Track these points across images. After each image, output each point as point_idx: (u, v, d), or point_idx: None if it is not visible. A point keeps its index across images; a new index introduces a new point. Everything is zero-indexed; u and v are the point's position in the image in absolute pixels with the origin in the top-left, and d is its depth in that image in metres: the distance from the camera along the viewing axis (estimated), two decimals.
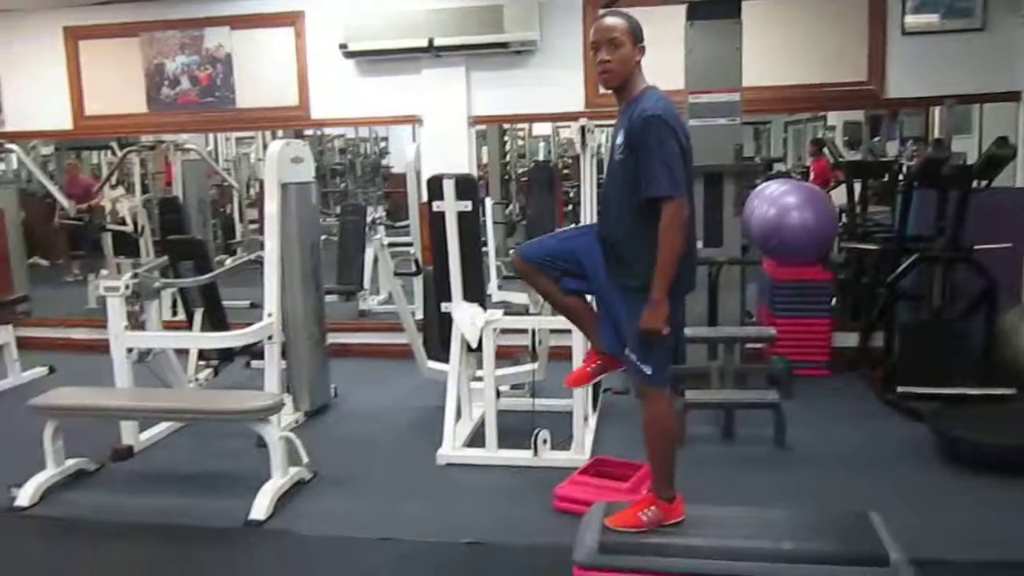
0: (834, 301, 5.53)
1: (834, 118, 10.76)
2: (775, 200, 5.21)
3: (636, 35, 2.60)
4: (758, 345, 5.22)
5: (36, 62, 6.26)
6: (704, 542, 2.66)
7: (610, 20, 2.60)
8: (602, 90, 2.72)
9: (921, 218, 5.06)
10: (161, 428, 4.42)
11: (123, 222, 7.65)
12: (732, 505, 3.07)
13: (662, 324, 2.56)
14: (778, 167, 10.99)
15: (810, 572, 2.54)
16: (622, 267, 2.68)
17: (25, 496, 3.62)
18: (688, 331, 4.46)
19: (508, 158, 11.10)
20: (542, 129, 13.02)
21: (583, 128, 3.99)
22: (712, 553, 2.62)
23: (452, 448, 4.01)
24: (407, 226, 7.75)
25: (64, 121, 6.30)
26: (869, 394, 4.84)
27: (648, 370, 2.67)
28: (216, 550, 3.25)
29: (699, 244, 3.56)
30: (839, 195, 6.56)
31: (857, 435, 4.24)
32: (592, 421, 4.25)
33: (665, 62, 5.00)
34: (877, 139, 9.86)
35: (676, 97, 4.85)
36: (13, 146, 5.53)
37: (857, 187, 6.31)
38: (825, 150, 7.76)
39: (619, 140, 2.62)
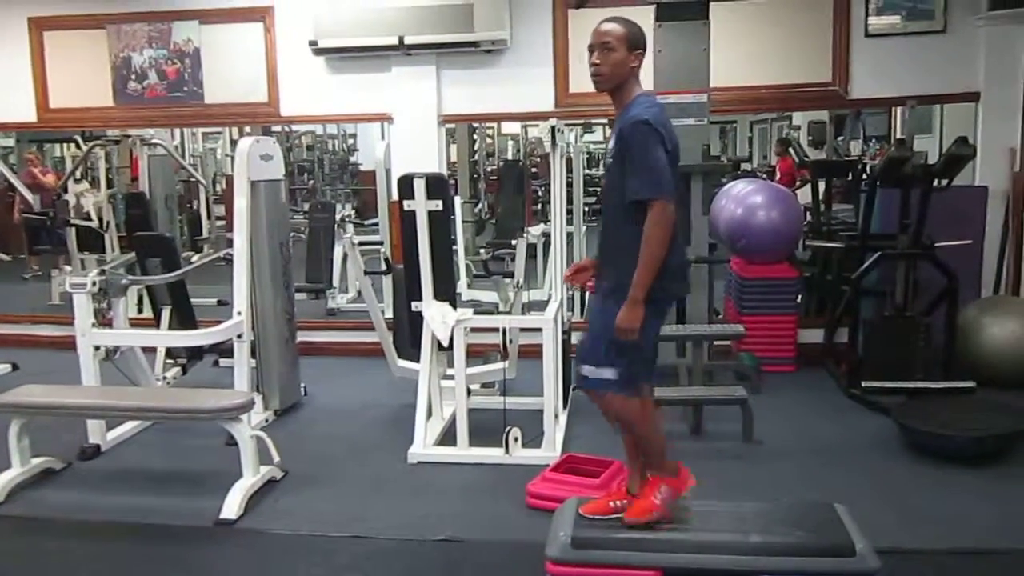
0: (799, 298, 5.62)
1: (799, 118, 10.91)
2: (742, 199, 5.31)
3: (632, 42, 2.61)
4: (726, 342, 5.30)
5: (0, 52, 6.15)
6: (674, 536, 2.71)
7: (606, 25, 2.63)
8: (591, 89, 2.74)
9: (884, 216, 5.17)
10: (129, 427, 4.38)
11: (88, 217, 7.56)
12: (702, 499, 3.12)
13: (637, 325, 2.55)
14: (745, 166, 11.12)
15: (778, 564, 2.58)
16: (605, 270, 2.72)
17: None
18: None
19: (477, 156, 11.11)
20: (511, 128, 13.02)
21: (553, 128, 4.00)
22: (682, 547, 2.66)
23: (423, 446, 4.02)
24: (376, 224, 7.73)
25: (28, 113, 6.19)
26: (835, 389, 4.92)
27: (610, 375, 2.64)
28: (187, 549, 3.22)
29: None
30: (804, 194, 6.66)
31: (824, 429, 4.33)
32: (562, 419, 4.28)
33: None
34: (841, 139, 10.01)
35: None
36: None
37: (822, 186, 6.41)
38: (791, 150, 7.88)
39: (611, 145, 2.66)
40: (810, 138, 10.14)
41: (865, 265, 4.79)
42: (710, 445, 4.18)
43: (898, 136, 5.58)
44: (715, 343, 5.12)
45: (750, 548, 2.64)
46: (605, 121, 13.42)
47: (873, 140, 10.02)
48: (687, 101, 4.70)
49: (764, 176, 9.63)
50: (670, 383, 4.42)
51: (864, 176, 6.26)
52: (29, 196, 5.48)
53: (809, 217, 6.33)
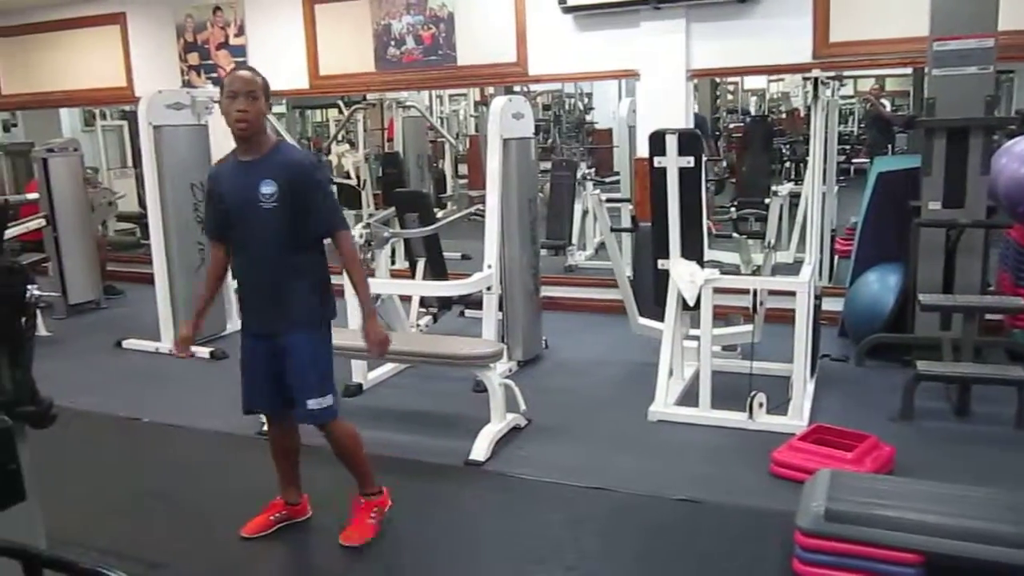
0: None
1: None
2: None
3: (267, 92, 2.76)
4: (998, 316, 4.81)
5: (277, 25, 6.74)
6: (938, 520, 2.51)
7: (249, 74, 2.73)
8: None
9: None
10: (385, 369, 4.72)
11: (347, 175, 8.20)
12: (966, 484, 2.88)
13: (385, 332, 2.90)
14: None
15: None
16: (295, 309, 2.80)
17: None
18: (922, 298, 4.19)
19: (718, 113, 10.79)
20: (753, 83, 12.49)
21: (816, 80, 3.79)
22: (948, 532, 2.47)
23: (664, 405, 4.02)
24: (615, 182, 7.75)
25: (301, 81, 6.76)
26: None
27: (330, 401, 2.86)
28: (439, 485, 3.45)
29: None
30: None
31: None
32: (810, 387, 4.10)
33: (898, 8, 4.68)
34: None
35: (918, 45, 4.51)
36: None
37: None
38: None
39: (267, 190, 2.70)
40: None
41: None
42: (977, 428, 3.84)
43: None
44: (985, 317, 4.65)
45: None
46: (859, 74, 12.59)
47: None
48: (969, 47, 4.19)
49: None
50: (932, 357, 4.09)
51: None
52: None
53: None
